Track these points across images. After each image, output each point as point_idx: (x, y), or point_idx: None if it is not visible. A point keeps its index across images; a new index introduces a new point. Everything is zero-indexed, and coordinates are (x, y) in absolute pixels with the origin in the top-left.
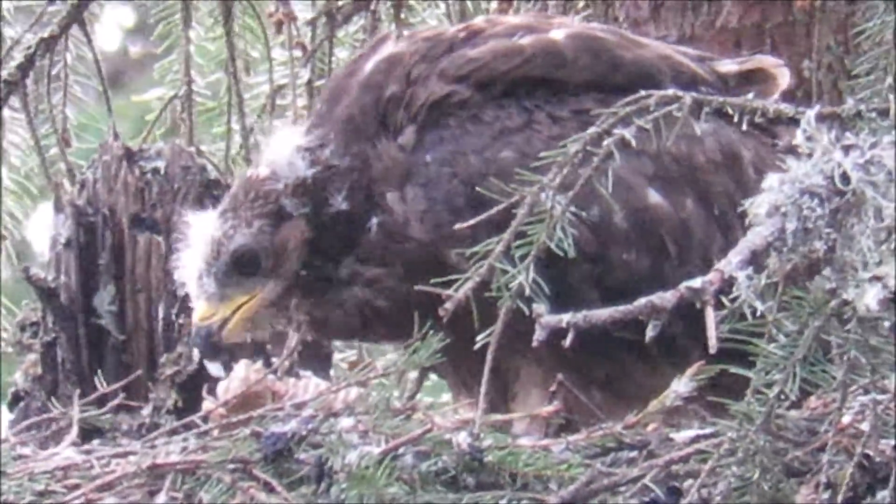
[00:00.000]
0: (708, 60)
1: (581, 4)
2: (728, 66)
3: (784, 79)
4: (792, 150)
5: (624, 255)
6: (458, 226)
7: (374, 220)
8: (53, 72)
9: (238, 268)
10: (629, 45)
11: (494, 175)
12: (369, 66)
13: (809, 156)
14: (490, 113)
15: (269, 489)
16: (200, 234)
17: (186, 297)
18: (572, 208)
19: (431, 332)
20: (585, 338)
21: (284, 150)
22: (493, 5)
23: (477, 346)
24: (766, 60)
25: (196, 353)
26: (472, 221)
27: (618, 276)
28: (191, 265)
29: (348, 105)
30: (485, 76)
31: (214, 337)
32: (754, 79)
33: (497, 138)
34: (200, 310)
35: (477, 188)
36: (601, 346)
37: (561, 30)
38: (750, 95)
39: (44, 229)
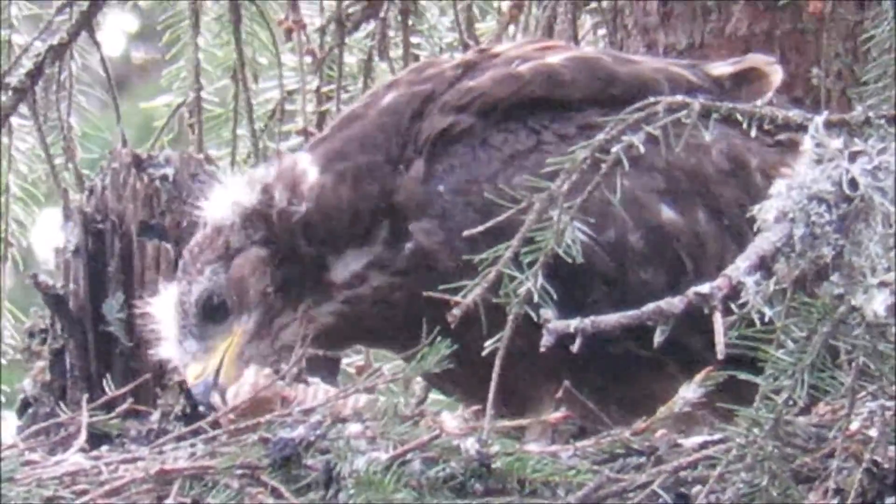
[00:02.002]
0: (699, 66)
1: (590, 7)
2: (721, 68)
3: (777, 76)
4: (791, 145)
5: (641, 275)
6: (466, 232)
7: (408, 246)
8: (61, 79)
9: (208, 315)
10: (623, 62)
11: (508, 201)
12: (385, 101)
13: (818, 162)
14: (498, 138)
15: (278, 495)
16: (164, 311)
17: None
18: (587, 230)
19: (440, 339)
20: (600, 356)
21: (226, 198)
22: (504, 6)
23: (485, 353)
24: (759, 59)
25: (202, 409)
26: (481, 228)
27: (636, 295)
28: (167, 340)
29: (363, 125)
30: (486, 102)
31: (213, 388)
32: (748, 79)
33: (508, 163)
34: (191, 371)
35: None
36: (616, 365)
37: (557, 55)
38: (758, 102)
39: (47, 236)
